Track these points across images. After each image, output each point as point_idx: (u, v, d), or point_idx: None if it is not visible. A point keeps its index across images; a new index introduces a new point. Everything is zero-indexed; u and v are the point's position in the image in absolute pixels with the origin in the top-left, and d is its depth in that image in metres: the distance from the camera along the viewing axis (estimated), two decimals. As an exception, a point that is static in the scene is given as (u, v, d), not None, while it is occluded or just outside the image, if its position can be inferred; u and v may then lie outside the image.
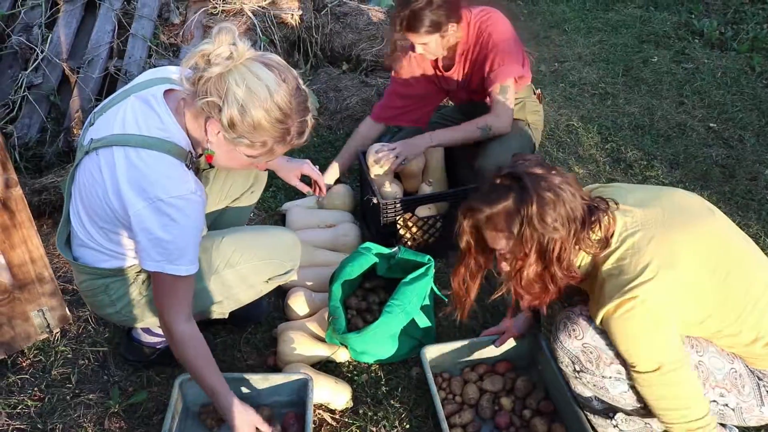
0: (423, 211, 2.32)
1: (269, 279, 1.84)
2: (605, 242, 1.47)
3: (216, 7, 3.66)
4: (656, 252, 1.44)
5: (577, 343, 1.57)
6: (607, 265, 1.48)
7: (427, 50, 2.28)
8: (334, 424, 1.87)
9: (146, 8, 3.45)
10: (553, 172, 1.45)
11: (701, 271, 1.47)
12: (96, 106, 3.04)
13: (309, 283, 2.23)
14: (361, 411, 1.90)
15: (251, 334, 2.15)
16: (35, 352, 2.04)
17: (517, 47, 2.33)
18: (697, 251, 1.47)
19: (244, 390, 1.82)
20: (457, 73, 2.43)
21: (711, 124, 3.35)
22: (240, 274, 1.78)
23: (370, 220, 2.47)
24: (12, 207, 1.69)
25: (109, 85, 3.19)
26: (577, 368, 1.58)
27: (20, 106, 3.05)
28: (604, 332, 1.54)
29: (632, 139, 3.23)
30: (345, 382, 1.94)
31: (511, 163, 1.50)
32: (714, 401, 1.55)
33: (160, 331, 1.93)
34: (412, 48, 2.30)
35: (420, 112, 2.60)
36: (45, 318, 1.90)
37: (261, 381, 1.81)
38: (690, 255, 1.46)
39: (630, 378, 1.54)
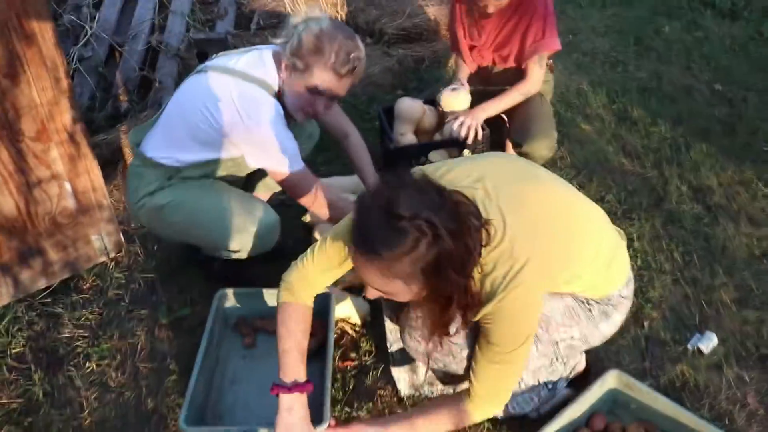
0: (435, 156, 2.55)
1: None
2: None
3: (247, -14, 3.93)
4: (515, 235, 1.37)
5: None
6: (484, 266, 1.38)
7: (497, 7, 2.44)
8: (354, 335, 2.11)
9: (184, -13, 3.74)
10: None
11: (558, 235, 1.46)
12: (139, 75, 3.38)
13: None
14: (377, 323, 2.13)
15: (279, 265, 2.39)
16: (93, 277, 2.32)
17: (554, 22, 2.53)
18: (545, 214, 1.46)
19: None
20: (492, 25, 2.58)
21: (716, 87, 3.50)
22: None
23: (387, 167, 2.70)
24: (77, 140, 1.97)
25: (151, 57, 3.49)
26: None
27: (72, 77, 3.36)
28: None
29: (639, 101, 3.40)
30: (364, 300, 2.18)
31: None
32: (562, 340, 1.63)
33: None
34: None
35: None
36: (103, 242, 2.18)
37: (289, 294, 2.06)
38: (542, 220, 1.45)
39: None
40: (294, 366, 1.61)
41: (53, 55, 1.86)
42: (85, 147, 2.01)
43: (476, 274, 1.38)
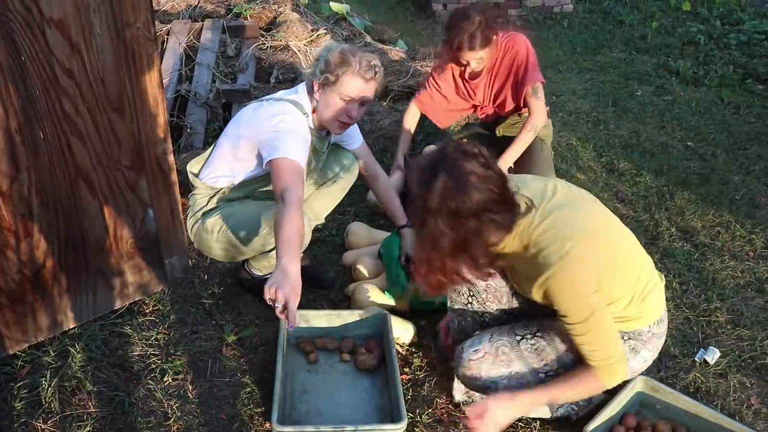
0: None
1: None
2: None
3: (265, 43, 4.26)
4: (572, 224, 1.72)
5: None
6: (535, 239, 1.72)
7: (480, 63, 2.85)
8: (403, 353, 2.35)
9: (209, 42, 4.04)
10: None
11: (606, 242, 1.79)
12: (172, 121, 3.62)
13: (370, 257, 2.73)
14: (424, 343, 2.38)
15: (326, 293, 2.63)
16: (154, 302, 2.50)
17: (536, 61, 2.94)
18: (603, 222, 1.83)
19: (335, 323, 2.30)
20: (483, 84, 2.99)
21: (688, 143, 3.97)
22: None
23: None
24: (165, 170, 2.20)
25: (180, 104, 3.74)
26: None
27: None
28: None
29: (623, 155, 3.83)
30: (410, 321, 2.43)
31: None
32: None
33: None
34: (459, 65, 2.88)
35: (446, 118, 3.20)
36: (174, 266, 2.38)
37: (349, 315, 2.31)
38: (599, 225, 1.79)
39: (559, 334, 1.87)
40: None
41: (155, 93, 2.11)
42: (169, 177, 2.24)
43: (532, 249, 1.73)
